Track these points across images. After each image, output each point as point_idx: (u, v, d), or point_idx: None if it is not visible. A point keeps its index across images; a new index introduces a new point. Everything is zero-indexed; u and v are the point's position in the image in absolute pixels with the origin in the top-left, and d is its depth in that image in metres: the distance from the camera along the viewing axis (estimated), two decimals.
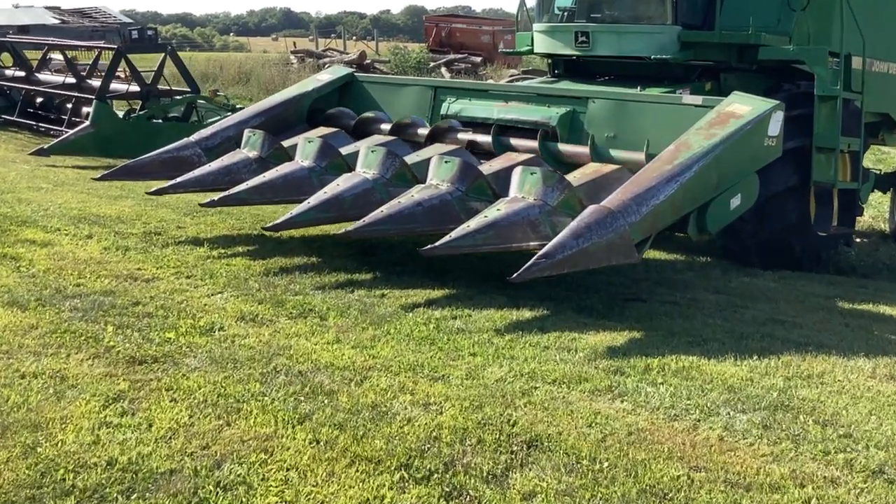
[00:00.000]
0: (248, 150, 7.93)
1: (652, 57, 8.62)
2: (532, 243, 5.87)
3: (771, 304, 6.64)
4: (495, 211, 5.98)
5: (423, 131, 8.01)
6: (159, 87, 13.67)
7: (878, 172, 10.77)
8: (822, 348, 5.33)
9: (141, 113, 13.12)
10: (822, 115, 7.97)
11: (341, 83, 9.08)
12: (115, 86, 13.56)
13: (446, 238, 5.74)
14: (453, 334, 5.20)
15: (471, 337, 5.15)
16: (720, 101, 6.65)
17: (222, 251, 7.11)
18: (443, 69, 28.66)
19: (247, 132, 8.06)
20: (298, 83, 9.19)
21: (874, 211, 12.35)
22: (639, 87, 8.15)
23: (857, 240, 10.26)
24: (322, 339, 4.97)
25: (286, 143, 7.91)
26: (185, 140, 8.27)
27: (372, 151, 7.10)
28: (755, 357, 5.04)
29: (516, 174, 6.25)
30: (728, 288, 7.17)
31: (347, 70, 9.37)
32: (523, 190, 6.14)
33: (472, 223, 5.86)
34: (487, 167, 6.99)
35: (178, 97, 13.82)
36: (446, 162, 6.63)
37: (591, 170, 6.69)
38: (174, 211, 8.34)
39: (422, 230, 6.36)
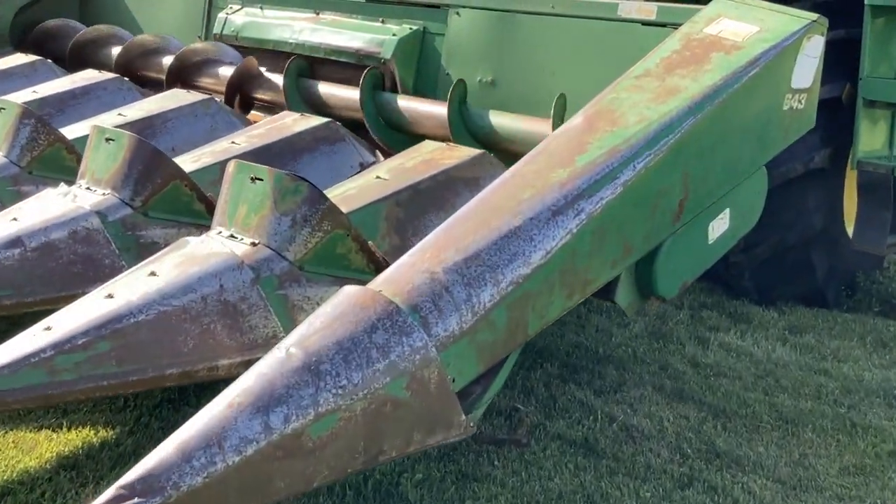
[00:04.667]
0: None
1: None
2: (225, 362, 2.40)
3: (783, 437, 3.24)
4: (145, 278, 2.47)
5: (169, 62, 4.51)
6: None
7: None
8: None
9: None
10: (874, 44, 4.43)
11: None
12: None
13: None
14: None
15: None
16: (693, 12, 3.13)
17: None
18: None
19: None
20: None
21: None
22: None
23: None
24: None
25: None
26: None
27: (1, 109, 3.55)
28: None
29: (225, 183, 2.72)
30: (699, 374, 3.77)
31: None
32: (234, 221, 2.63)
33: (60, 321, 2.34)
34: (219, 150, 3.45)
35: None
36: (108, 140, 3.09)
37: (417, 160, 3.15)
38: None
39: (18, 303, 2.83)
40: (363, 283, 2.50)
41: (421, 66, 4.11)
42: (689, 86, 2.76)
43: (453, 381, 2.09)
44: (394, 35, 4.11)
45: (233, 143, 3.47)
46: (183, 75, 4.39)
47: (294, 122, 3.63)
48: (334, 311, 2.04)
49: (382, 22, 4.22)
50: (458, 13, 3.96)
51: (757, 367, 3.93)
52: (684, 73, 2.82)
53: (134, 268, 2.55)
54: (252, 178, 2.62)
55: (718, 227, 3.09)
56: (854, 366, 4.02)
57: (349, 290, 2.11)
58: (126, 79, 4.45)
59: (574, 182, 2.41)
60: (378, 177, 3.03)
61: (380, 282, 2.14)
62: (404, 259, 2.21)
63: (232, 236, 2.61)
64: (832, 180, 4.75)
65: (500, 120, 3.53)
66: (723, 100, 2.74)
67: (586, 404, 3.38)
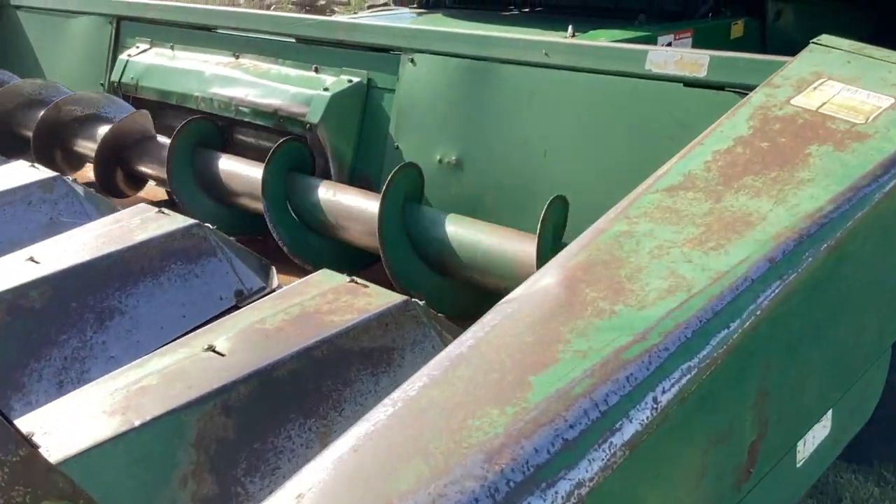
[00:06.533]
0: None
1: None
2: None
3: None
4: None
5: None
6: None
7: None
8: None
9: None
10: None
11: None
12: None
13: None
14: None
15: None
16: (774, 67, 1.80)
17: None
18: None
19: None
20: None
21: None
22: (570, 29, 3.28)
23: None
24: None
25: None
26: None
27: None
28: None
29: None
30: None
31: None
32: None
33: None
34: (2, 273, 2.18)
35: None
36: None
37: (290, 314, 1.83)
38: None
39: None
40: None
41: (363, 135, 2.84)
42: (769, 212, 1.43)
43: None
44: (326, 90, 2.85)
45: (31, 259, 2.20)
46: (57, 137, 3.22)
47: (142, 224, 2.34)
48: None
49: (316, 70, 2.96)
50: (412, 60, 2.68)
51: None
52: (759, 186, 1.50)
53: None
54: None
55: (814, 436, 1.75)
56: None
57: None
58: None
59: (523, 444, 1.08)
60: (210, 348, 1.72)
61: None
62: None
63: None
64: None
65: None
66: (835, 241, 1.41)
67: None
